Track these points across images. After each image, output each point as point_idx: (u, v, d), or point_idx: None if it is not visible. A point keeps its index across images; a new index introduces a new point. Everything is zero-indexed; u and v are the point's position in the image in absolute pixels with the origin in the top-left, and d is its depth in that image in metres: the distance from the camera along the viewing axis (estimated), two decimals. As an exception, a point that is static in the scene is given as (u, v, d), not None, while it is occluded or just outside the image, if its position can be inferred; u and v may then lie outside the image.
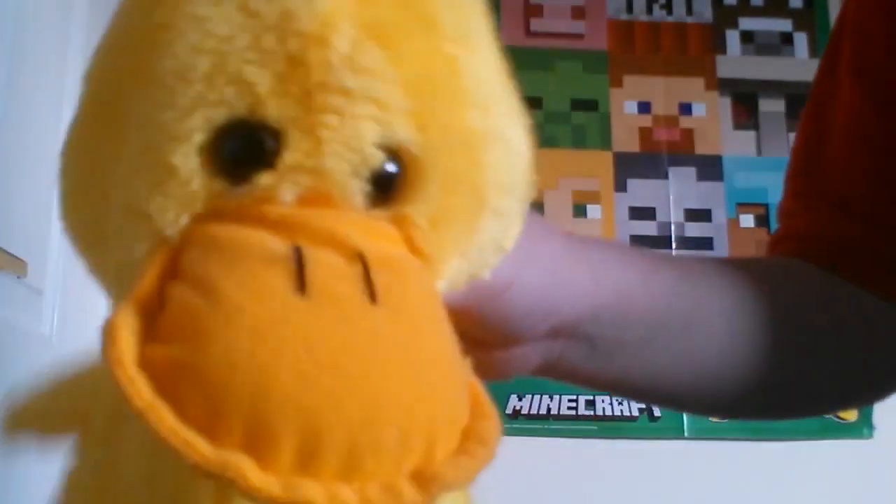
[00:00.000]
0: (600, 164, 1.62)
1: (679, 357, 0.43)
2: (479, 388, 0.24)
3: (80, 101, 0.25)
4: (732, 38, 1.71)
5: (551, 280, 0.37)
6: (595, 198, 1.61)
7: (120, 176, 0.23)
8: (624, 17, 1.70)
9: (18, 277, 0.83)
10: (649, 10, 1.70)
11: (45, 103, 0.93)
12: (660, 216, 1.61)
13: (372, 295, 0.21)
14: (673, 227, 1.61)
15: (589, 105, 1.65)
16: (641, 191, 1.62)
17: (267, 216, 0.22)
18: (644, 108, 1.66)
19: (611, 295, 0.40)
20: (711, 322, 0.44)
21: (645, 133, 1.65)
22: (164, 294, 0.21)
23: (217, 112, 0.22)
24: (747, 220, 1.62)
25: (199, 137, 0.22)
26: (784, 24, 1.72)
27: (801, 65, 1.70)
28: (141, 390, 0.19)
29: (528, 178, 0.27)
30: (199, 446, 0.19)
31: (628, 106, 1.65)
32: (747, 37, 1.71)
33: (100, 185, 0.24)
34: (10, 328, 0.82)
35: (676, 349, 0.43)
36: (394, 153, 0.23)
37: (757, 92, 1.68)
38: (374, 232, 0.23)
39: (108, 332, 0.20)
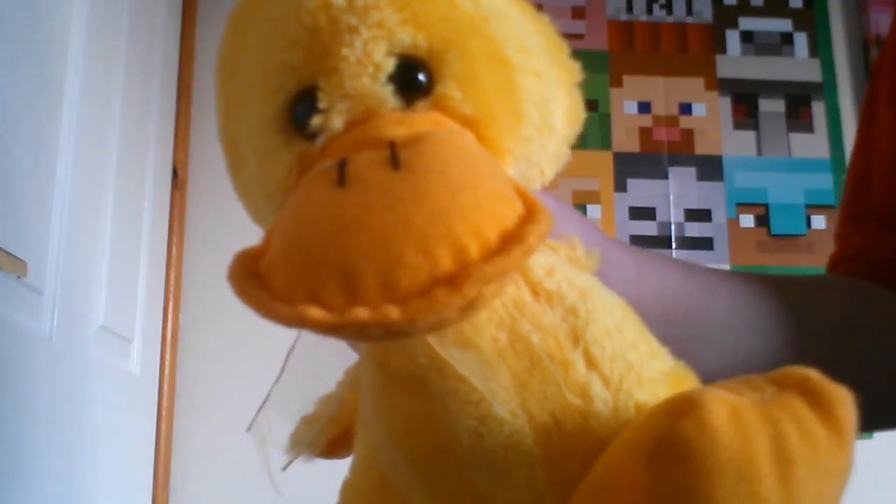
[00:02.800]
0: (600, 164, 1.62)
1: (727, 358, 0.44)
2: (532, 199, 0.27)
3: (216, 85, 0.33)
4: (732, 38, 1.71)
5: (602, 251, 0.38)
6: (595, 198, 1.61)
7: (245, 142, 0.31)
8: (624, 17, 1.70)
9: (18, 277, 0.83)
10: (649, 10, 1.70)
11: (46, 104, 0.93)
12: (660, 216, 1.61)
13: (396, 165, 0.26)
14: (673, 227, 1.61)
15: (589, 105, 1.64)
16: (641, 191, 1.62)
17: (329, 148, 0.28)
18: (644, 108, 1.66)
19: (654, 290, 0.42)
20: (757, 326, 0.45)
21: (645, 133, 1.65)
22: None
23: (280, 95, 0.29)
24: (747, 220, 1.62)
25: (276, 118, 0.29)
26: (784, 24, 1.72)
27: (801, 65, 1.70)
28: (245, 288, 0.26)
29: (550, 37, 0.33)
30: (281, 309, 0.24)
31: (628, 106, 1.66)
32: (747, 37, 1.71)
33: (233, 132, 0.32)
34: (10, 328, 0.82)
35: (724, 350, 0.44)
36: (410, 56, 0.29)
37: (757, 92, 1.68)
38: (411, 122, 0.28)
39: (231, 263, 0.27)
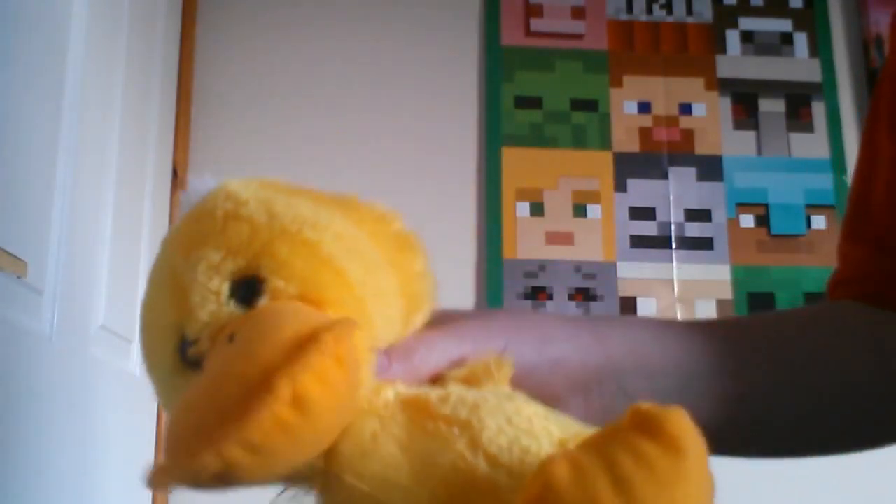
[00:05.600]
0: (600, 164, 1.62)
1: (717, 403, 0.46)
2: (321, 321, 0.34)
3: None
4: (732, 38, 1.71)
5: (540, 337, 0.42)
6: (595, 198, 1.61)
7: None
8: (624, 17, 1.70)
9: (18, 277, 0.83)
10: (649, 10, 1.70)
11: (45, 104, 0.93)
12: (660, 216, 1.61)
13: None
14: (673, 227, 1.61)
15: (589, 105, 1.65)
16: (641, 191, 1.62)
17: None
18: (644, 108, 1.66)
19: (621, 348, 0.44)
20: (742, 371, 0.47)
21: (645, 133, 1.65)
22: None
23: (169, 344, 0.37)
24: (747, 220, 1.62)
25: (171, 362, 0.37)
26: (784, 24, 1.72)
27: (801, 65, 1.70)
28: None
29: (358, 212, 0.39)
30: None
31: (628, 106, 1.66)
32: (747, 37, 1.71)
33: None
34: (10, 328, 0.82)
35: (714, 395, 0.46)
36: (240, 276, 0.36)
37: (757, 92, 1.68)
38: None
39: None
